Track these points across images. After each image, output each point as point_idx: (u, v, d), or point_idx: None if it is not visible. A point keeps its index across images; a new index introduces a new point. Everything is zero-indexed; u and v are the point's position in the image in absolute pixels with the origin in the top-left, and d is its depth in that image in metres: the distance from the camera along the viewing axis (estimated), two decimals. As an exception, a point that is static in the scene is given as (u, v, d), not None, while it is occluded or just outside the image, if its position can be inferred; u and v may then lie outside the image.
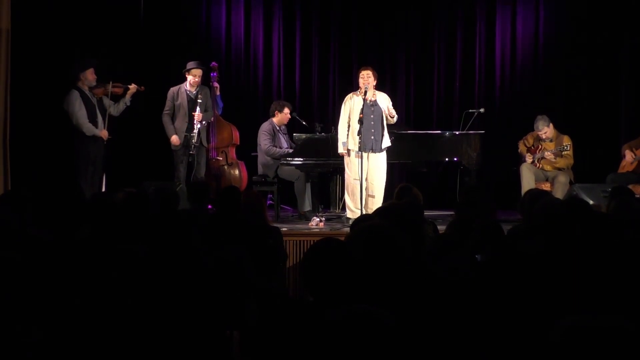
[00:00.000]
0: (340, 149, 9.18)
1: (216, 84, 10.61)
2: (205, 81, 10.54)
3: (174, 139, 9.98)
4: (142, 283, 3.86)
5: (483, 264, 4.26)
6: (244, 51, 12.32)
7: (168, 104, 10.05)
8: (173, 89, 10.09)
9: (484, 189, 9.18)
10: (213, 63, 10.66)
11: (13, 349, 2.93)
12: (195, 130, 9.93)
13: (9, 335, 2.96)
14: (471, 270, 4.19)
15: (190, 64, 10.05)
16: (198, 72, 10.03)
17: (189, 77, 10.01)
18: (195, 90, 10.02)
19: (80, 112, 9.61)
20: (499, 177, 11.20)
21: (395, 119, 9.17)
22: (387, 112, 9.05)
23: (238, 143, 10.84)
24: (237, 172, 10.68)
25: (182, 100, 10.00)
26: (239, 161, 10.78)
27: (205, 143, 10.21)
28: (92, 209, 5.47)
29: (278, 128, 10.51)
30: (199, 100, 9.95)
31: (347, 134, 9.12)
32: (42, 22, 10.54)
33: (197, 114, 9.92)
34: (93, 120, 9.71)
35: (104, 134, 9.75)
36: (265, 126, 10.46)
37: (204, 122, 10.03)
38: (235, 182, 10.42)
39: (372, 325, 2.32)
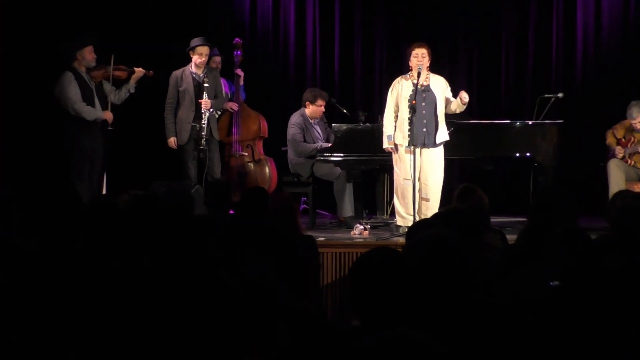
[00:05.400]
0: (385, 144, 9.13)
1: (240, 72, 10.60)
2: (227, 63, 10.52)
3: (171, 141, 9.99)
4: (149, 303, 3.83)
5: (563, 282, 4.18)
6: (272, 28, 12.38)
7: (171, 91, 10.01)
8: (176, 73, 10.04)
9: (563, 191, 9.07)
10: (236, 39, 10.67)
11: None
12: (204, 120, 9.91)
13: None
14: (548, 288, 4.12)
15: (195, 41, 10.00)
16: (205, 49, 9.95)
17: (195, 57, 9.93)
18: (202, 72, 9.98)
19: (76, 96, 9.55)
20: (581, 175, 11.10)
21: (462, 108, 9.03)
22: (456, 99, 8.92)
23: (266, 136, 10.82)
24: (265, 170, 10.67)
25: (187, 85, 9.95)
26: (267, 157, 10.74)
27: (216, 135, 10.17)
28: (90, 214, 5.46)
29: (310, 120, 10.42)
30: (205, 85, 9.91)
31: (394, 126, 9.04)
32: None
33: (205, 100, 9.90)
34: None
35: (108, 115, 9.71)
36: (294, 119, 10.41)
37: (212, 110, 9.98)
38: (263, 182, 10.42)
39: (419, 354, 2.24)
